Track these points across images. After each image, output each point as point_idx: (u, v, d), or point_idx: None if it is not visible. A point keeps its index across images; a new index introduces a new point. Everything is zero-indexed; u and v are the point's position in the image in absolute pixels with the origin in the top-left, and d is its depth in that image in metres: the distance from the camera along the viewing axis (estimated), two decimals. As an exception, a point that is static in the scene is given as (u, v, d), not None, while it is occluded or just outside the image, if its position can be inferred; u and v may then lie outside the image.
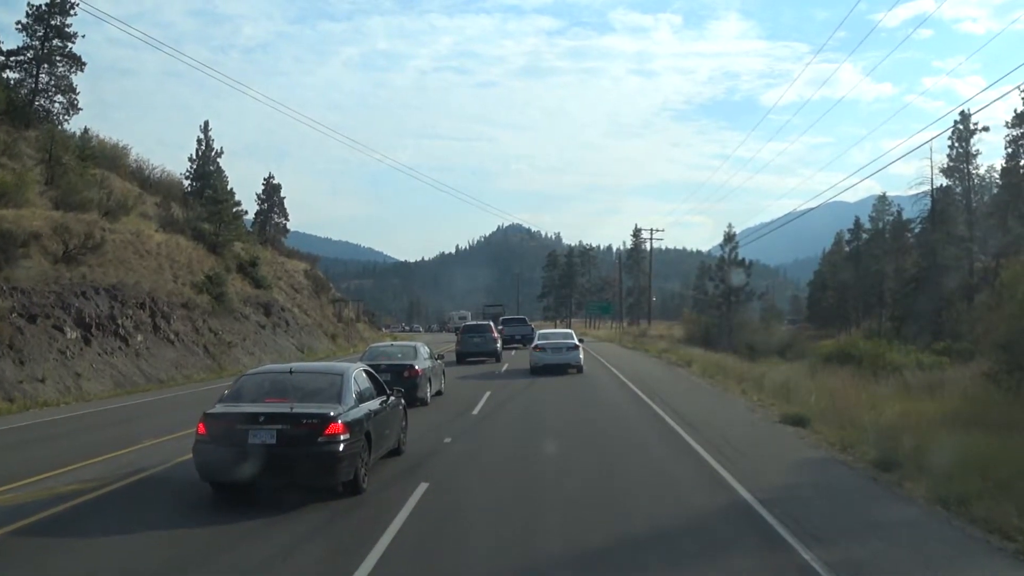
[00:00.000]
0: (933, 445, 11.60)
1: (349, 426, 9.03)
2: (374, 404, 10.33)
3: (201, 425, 9.01)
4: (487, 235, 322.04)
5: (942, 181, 68.94)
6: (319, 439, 8.77)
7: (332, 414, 8.91)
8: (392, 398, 11.30)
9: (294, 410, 8.94)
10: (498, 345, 35.66)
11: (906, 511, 8.78)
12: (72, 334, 24.51)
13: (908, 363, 28.23)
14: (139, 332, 28.00)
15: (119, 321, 27.12)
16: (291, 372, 9.89)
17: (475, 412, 16.89)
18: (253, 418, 8.86)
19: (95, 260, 30.63)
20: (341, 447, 8.83)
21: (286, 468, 8.74)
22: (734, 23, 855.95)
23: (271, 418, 8.85)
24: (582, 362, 28.15)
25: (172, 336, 30.33)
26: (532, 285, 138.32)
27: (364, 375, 10.57)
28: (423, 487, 9.63)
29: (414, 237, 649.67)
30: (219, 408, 9.25)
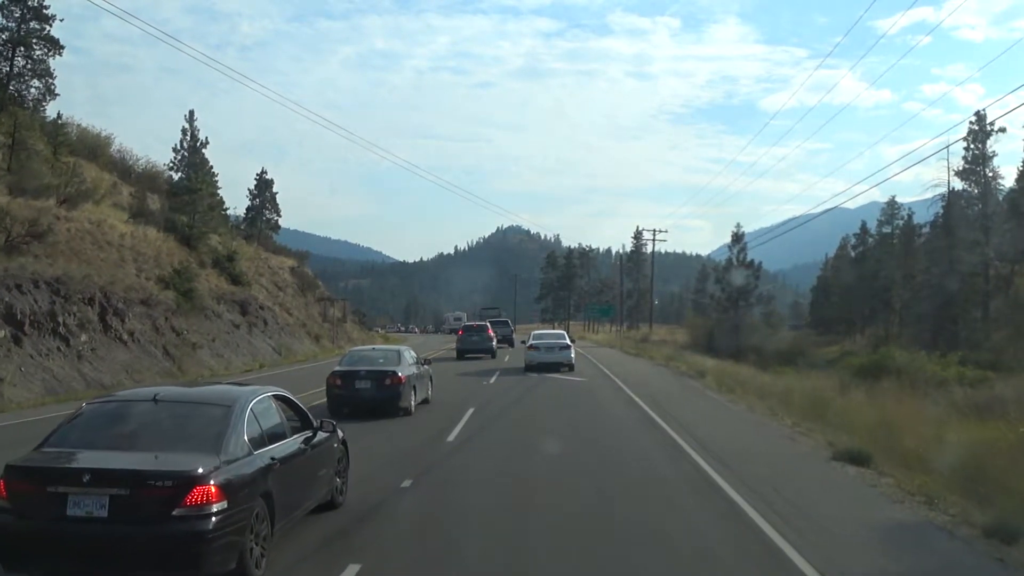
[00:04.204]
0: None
1: (229, 489, 5.89)
2: (287, 446, 7.19)
3: (0, 484, 5.87)
4: (486, 236, 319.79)
5: (957, 184, 66.19)
6: (175, 512, 5.63)
7: (199, 472, 5.77)
8: (321, 434, 8.14)
9: (141, 465, 5.82)
10: (493, 344, 39.40)
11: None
12: (-1, 333, 21.36)
13: (949, 377, 25.05)
14: (84, 331, 24.80)
15: (60, 318, 23.93)
16: (156, 401, 6.71)
17: (451, 438, 13.58)
18: (75, 477, 5.75)
19: (41, 250, 27.46)
20: (212, 523, 5.69)
21: (122, 557, 5.62)
22: (732, 27, 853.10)
23: (103, 477, 5.72)
24: (573, 360, 29.97)
25: (125, 336, 27.14)
26: (531, 286, 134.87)
27: (272, 404, 7.38)
28: (352, 572, 6.51)
29: (413, 237, 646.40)
30: (30, 460, 6.11)
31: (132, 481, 5.69)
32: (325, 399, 17.04)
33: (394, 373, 16.58)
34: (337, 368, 17.38)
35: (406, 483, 9.80)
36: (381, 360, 17.46)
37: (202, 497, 5.69)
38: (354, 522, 8.11)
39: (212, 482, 5.77)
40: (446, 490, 9.68)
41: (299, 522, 7.57)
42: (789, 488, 9.50)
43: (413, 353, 19.02)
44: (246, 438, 6.49)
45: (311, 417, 8.11)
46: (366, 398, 16.41)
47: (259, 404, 7.02)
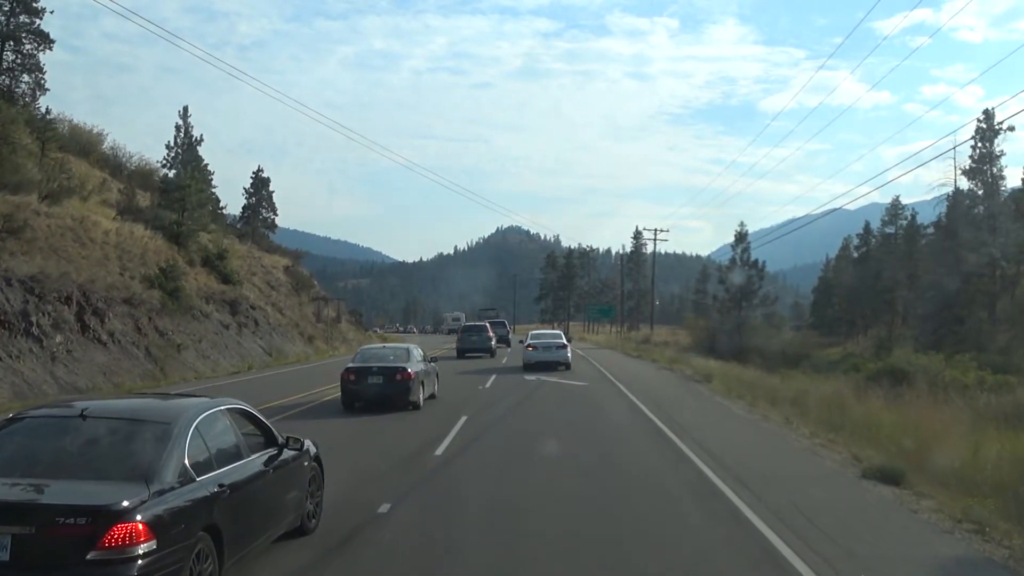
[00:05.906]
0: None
1: (160, 525, 4.81)
2: (242, 469, 6.08)
3: None
4: (486, 236, 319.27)
5: (963, 184, 65.39)
6: (90, 556, 4.56)
7: (123, 506, 4.69)
8: (288, 452, 7.03)
9: (51, 498, 4.74)
10: (492, 343, 40.58)
11: None
12: (-34, 333, 20.26)
13: (969, 382, 23.94)
14: (59, 331, 23.67)
15: (33, 318, 22.82)
16: (83, 417, 5.62)
17: (439, 451, 12.37)
18: (-33, 514, 4.66)
19: (17, 246, 26.34)
20: (136, 567, 4.62)
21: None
22: (731, 28, 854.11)
23: (3, 513, 4.65)
24: (570, 359, 30.90)
25: (105, 337, 26.01)
26: (531, 287, 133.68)
27: (225, 420, 6.27)
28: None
29: (413, 238, 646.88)
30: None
31: (39, 518, 4.63)
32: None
33: (404, 369, 17.55)
34: (351, 364, 18.38)
35: (384, 508, 8.57)
36: (392, 357, 18.38)
37: (124, 537, 4.61)
38: (319, 556, 6.96)
39: (139, 518, 4.70)
40: (428, 517, 8.43)
41: (259, 554, 6.48)
42: (822, 516, 8.35)
43: (421, 351, 19.72)
44: (188, 461, 5.40)
45: (276, 433, 7.01)
46: (377, 392, 17.46)
47: (208, 420, 5.92)
